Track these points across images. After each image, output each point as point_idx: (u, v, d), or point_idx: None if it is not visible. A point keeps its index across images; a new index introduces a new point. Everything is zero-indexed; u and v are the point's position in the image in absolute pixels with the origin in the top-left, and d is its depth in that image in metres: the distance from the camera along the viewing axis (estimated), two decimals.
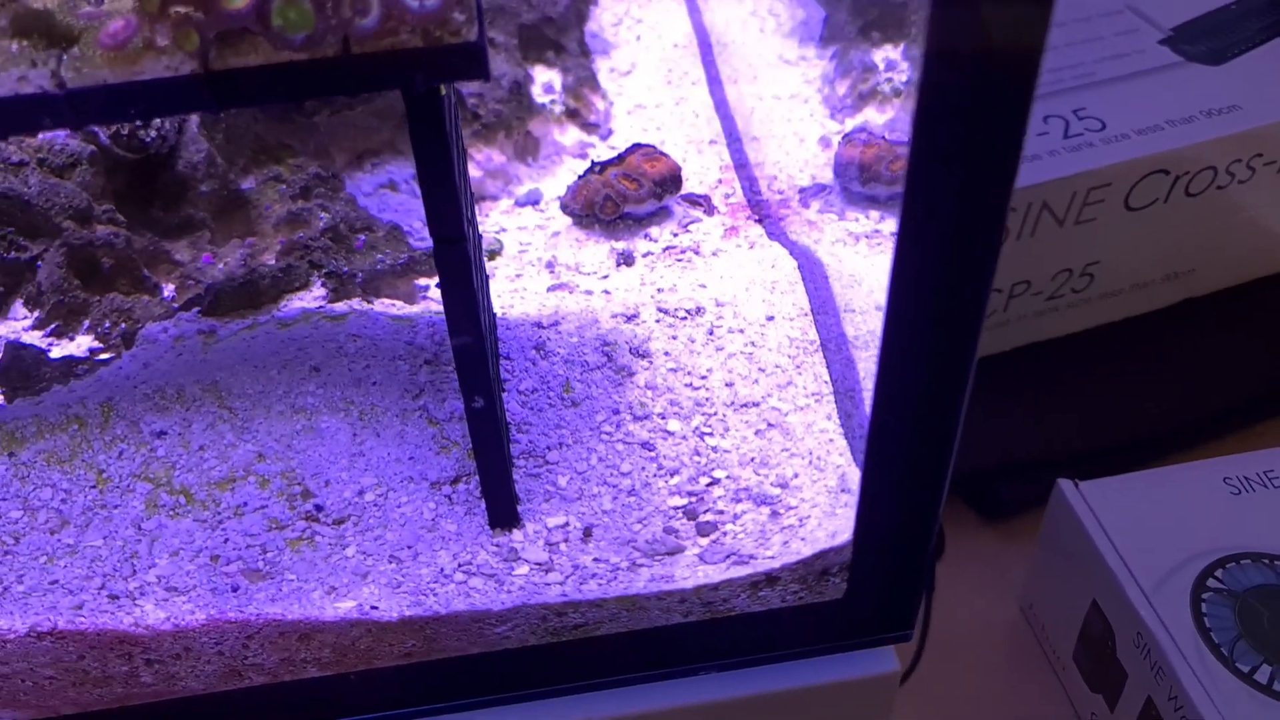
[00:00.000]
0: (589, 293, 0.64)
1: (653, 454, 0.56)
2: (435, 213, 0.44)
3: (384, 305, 0.64)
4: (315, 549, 0.52)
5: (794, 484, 0.55)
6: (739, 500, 0.54)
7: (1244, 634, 0.58)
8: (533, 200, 0.72)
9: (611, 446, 0.56)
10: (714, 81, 0.80)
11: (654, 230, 0.69)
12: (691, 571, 0.51)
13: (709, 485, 0.55)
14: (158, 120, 0.66)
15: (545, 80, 0.79)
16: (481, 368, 0.49)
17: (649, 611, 0.51)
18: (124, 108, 0.39)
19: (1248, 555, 0.61)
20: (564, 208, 0.70)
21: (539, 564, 0.52)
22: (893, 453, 0.46)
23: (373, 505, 0.54)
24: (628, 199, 0.68)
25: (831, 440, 0.56)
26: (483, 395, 0.49)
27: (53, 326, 0.62)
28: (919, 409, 0.44)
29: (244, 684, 0.51)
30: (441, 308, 0.60)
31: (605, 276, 0.66)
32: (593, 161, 0.71)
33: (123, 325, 0.62)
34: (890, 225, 0.67)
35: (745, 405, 0.58)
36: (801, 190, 0.71)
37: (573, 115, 0.77)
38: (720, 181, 0.73)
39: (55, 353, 0.61)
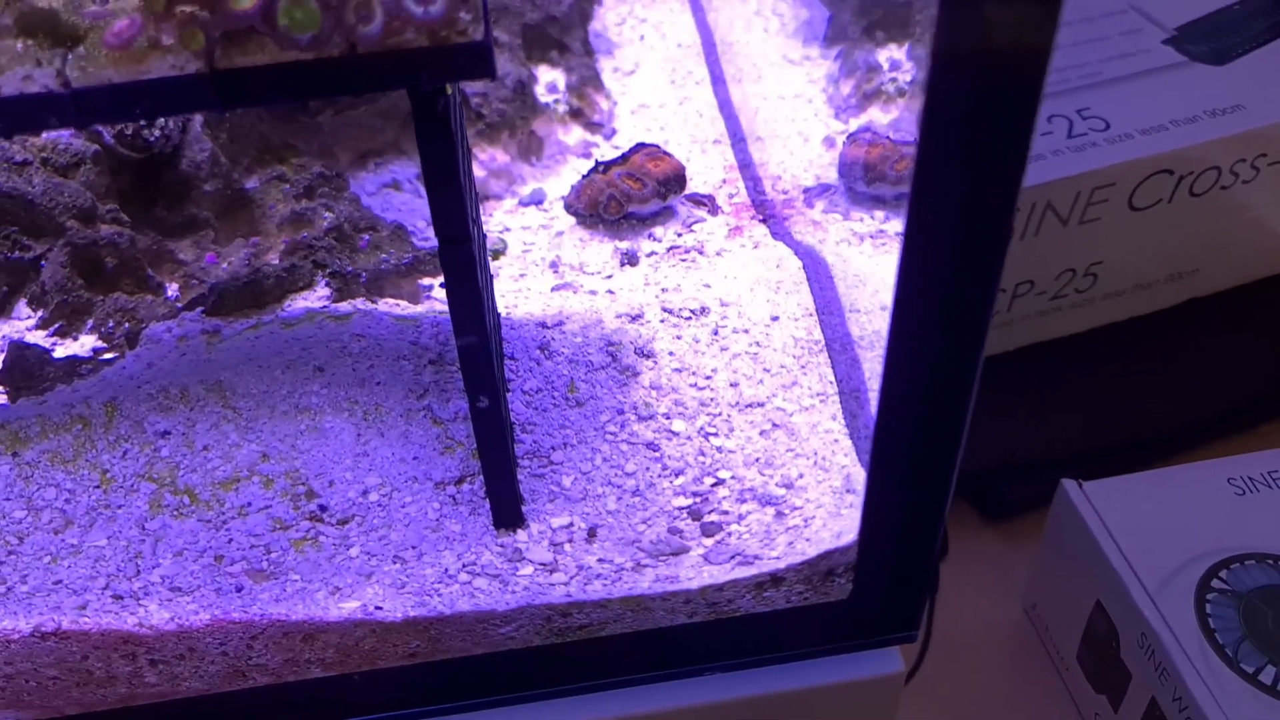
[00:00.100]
0: (593, 293, 0.64)
1: (657, 454, 0.56)
2: (441, 212, 0.44)
3: (388, 305, 0.64)
4: (319, 549, 0.52)
5: (799, 484, 0.55)
6: (744, 501, 0.54)
7: (1248, 635, 0.58)
8: (536, 200, 0.72)
9: (616, 447, 0.56)
10: (718, 81, 0.80)
11: (658, 230, 0.69)
12: (696, 572, 0.51)
13: (714, 486, 0.55)
14: (161, 120, 0.65)
15: (549, 80, 0.78)
16: (486, 368, 0.49)
17: (654, 612, 0.51)
18: (129, 107, 0.39)
19: (1252, 556, 0.61)
20: (568, 207, 0.70)
21: (543, 564, 0.52)
22: (898, 453, 0.45)
23: (377, 505, 0.54)
24: (632, 199, 0.68)
25: (836, 441, 0.56)
26: (487, 395, 0.49)
27: (56, 326, 0.62)
28: (925, 409, 0.44)
29: (248, 684, 0.51)
30: (445, 307, 0.60)
31: (609, 276, 0.66)
32: (597, 161, 0.71)
33: (126, 325, 0.62)
34: (895, 225, 0.67)
35: (750, 405, 0.58)
36: (806, 190, 0.71)
37: (576, 115, 0.77)
38: (724, 181, 0.73)
39: (59, 352, 0.61)
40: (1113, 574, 0.61)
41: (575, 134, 0.76)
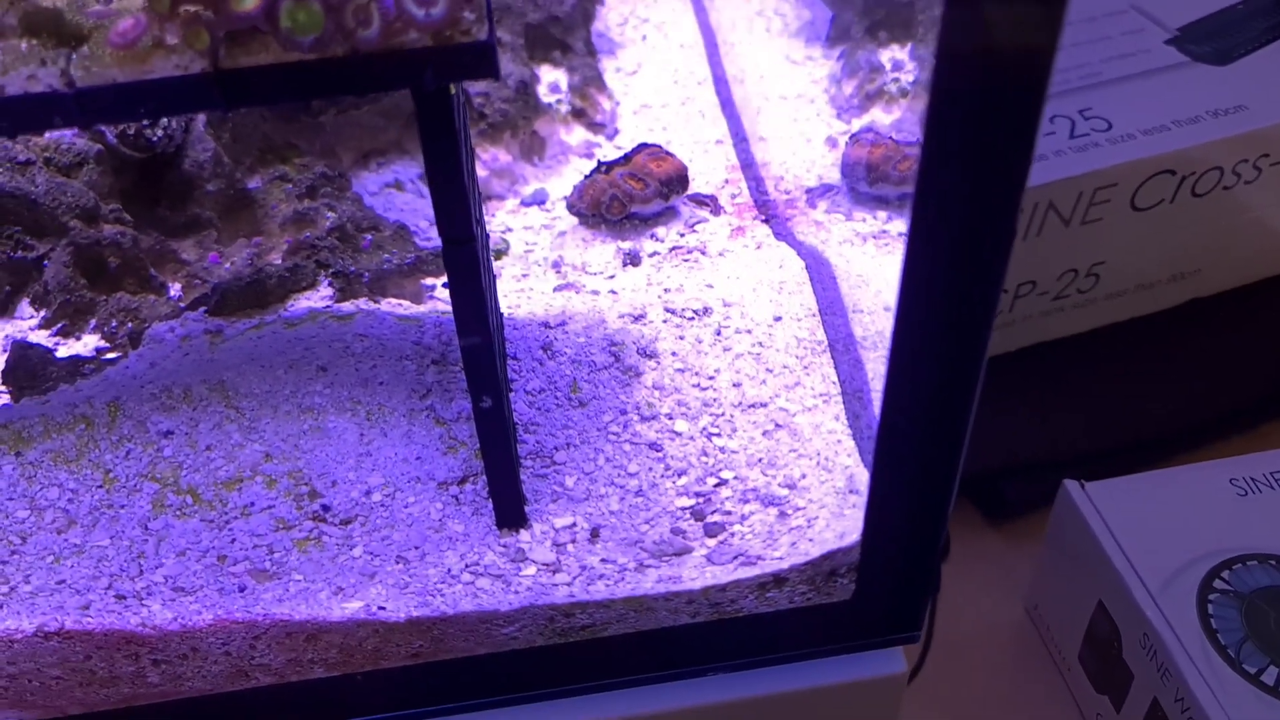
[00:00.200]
0: (595, 293, 0.64)
1: (660, 454, 0.56)
2: (444, 213, 0.44)
3: (391, 305, 0.64)
4: (322, 549, 0.52)
5: (802, 485, 0.55)
6: (747, 501, 0.54)
7: (1250, 635, 0.58)
8: (539, 200, 0.72)
9: (619, 447, 0.56)
10: (720, 81, 0.80)
11: (660, 230, 0.69)
12: (699, 572, 0.51)
13: (716, 486, 0.55)
14: (164, 119, 0.66)
15: (551, 80, 0.78)
16: (489, 368, 0.49)
17: (656, 612, 0.51)
18: (133, 107, 0.39)
19: (1254, 556, 0.61)
20: (570, 207, 0.70)
21: (546, 564, 0.52)
22: (902, 454, 0.45)
23: (380, 505, 0.54)
24: (634, 199, 0.68)
25: (839, 441, 0.56)
26: (490, 395, 0.49)
27: (59, 326, 0.62)
28: (929, 410, 0.44)
29: (251, 684, 0.51)
30: (448, 307, 0.60)
31: (612, 276, 0.66)
32: (599, 161, 0.71)
33: (129, 325, 0.62)
34: (898, 225, 0.67)
35: (753, 406, 0.58)
36: (808, 190, 0.71)
37: (579, 115, 0.77)
38: (727, 182, 0.73)
39: (62, 352, 0.61)
40: (1115, 574, 0.61)
41: (578, 134, 0.76)
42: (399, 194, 0.72)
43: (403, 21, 0.38)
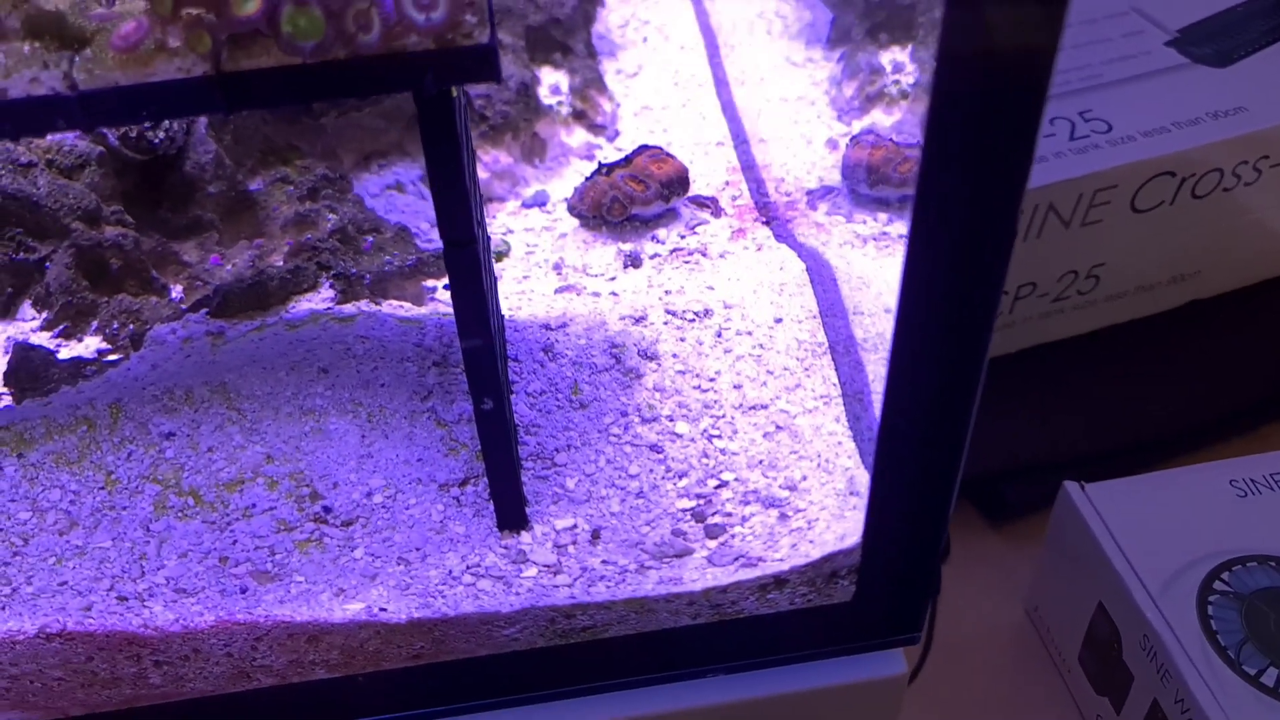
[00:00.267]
0: (596, 295, 0.64)
1: (661, 456, 0.56)
2: (446, 215, 0.44)
3: (392, 307, 0.64)
4: (324, 551, 0.52)
5: (802, 486, 0.55)
6: (747, 503, 0.54)
7: (1250, 636, 0.58)
8: (540, 202, 0.72)
9: (620, 449, 0.56)
10: (721, 83, 0.80)
11: (661, 232, 0.69)
12: (700, 574, 0.51)
13: (717, 488, 0.55)
14: (166, 121, 0.66)
15: (552, 82, 0.79)
16: (491, 370, 0.49)
17: (657, 614, 0.51)
18: (136, 109, 0.39)
19: (1254, 558, 0.61)
20: (571, 209, 0.70)
21: (547, 566, 0.52)
22: (903, 455, 0.46)
23: (381, 507, 0.54)
24: (635, 201, 0.68)
25: (840, 443, 0.56)
26: (491, 397, 0.49)
27: (61, 328, 0.63)
28: (929, 412, 0.44)
29: (252, 686, 0.51)
30: (449, 309, 0.61)
31: (613, 278, 0.66)
32: (600, 163, 0.72)
33: (131, 326, 0.62)
34: (898, 227, 0.67)
35: (753, 408, 0.58)
36: (809, 192, 0.71)
37: (580, 117, 0.77)
38: (727, 183, 0.73)
39: (63, 354, 0.61)
40: (1115, 576, 0.61)
41: (578, 136, 0.77)
42: (400, 196, 0.72)
43: (403, 26, 0.38)
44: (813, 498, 0.54)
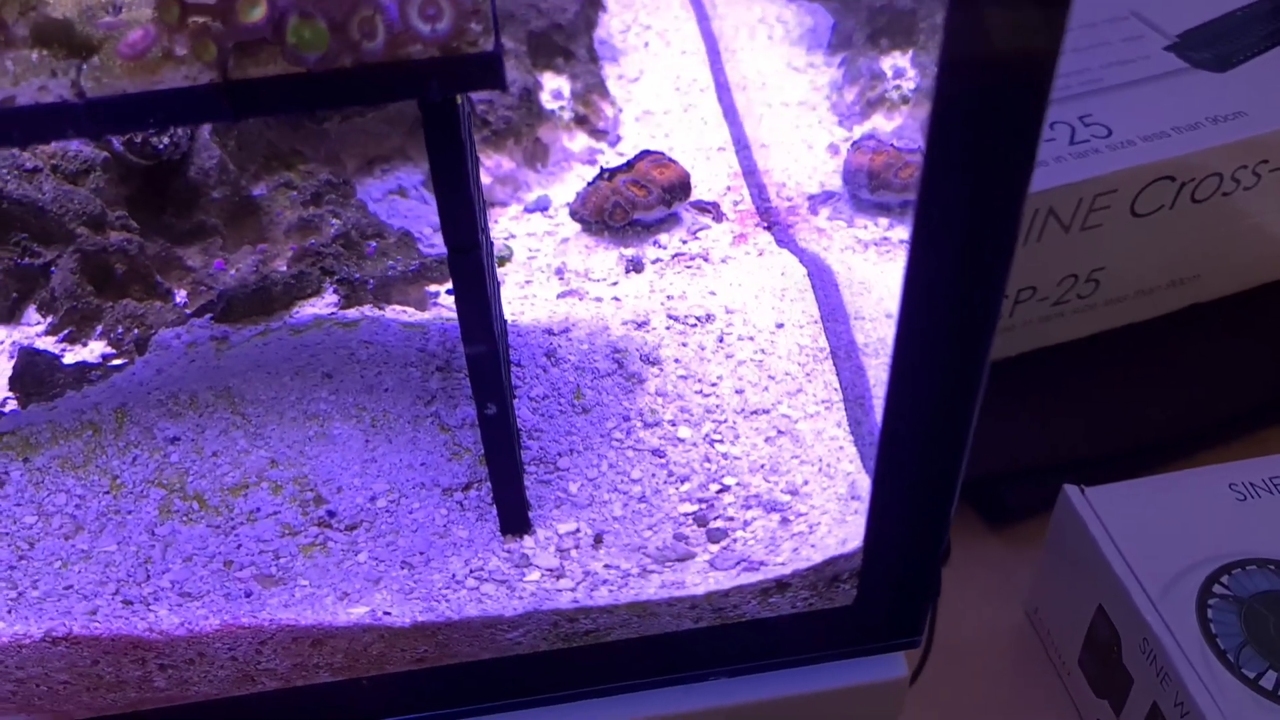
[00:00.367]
0: (599, 299, 0.65)
1: (663, 461, 0.56)
2: (450, 221, 0.44)
3: (395, 312, 0.64)
4: (328, 555, 0.53)
5: (804, 491, 0.55)
6: (749, 507, 0.55)
7: (1249, 640, 0.58)
8: (542, 207, 0.72)
9: (622, 453, 0.57)
10: (722, 88, 0.80)
11: (663, 237, 0.69)
12: (702, 578, 0.52)
13: (719, 492, 0.55)
14: (171, 127, 0.66)
15: (554, 87, 0.79)
16: (494, 375, 0.49)
17: (660, 617, 0.51)
18: (143, 117, 0.39)
19: (1253, 561, 0.61)
20: (573, 214, 0.70)
21: (550, 570, 0.52)
22: (904, 460, 0.46)
23: (385, 511, 0.54)
24: (637, 206, 0.68)
25: (841, 447, 0.57)
26: (495, 402, 0.49)
27: (66, 332, 0.63)
28: (930, 416, 0.44)
29: (257, 689, 0.52)
30: (452, 314, 0.61)
31: (615, 283, 0.66)
32: (602, 168, 0.72)
33: (135, 331, 0.62)
34: (899, 232, 0.67)
35: (755, 412, 0.58)
36: (810, 197, 0.71)
37: (582, 122, 0.77)
38: (729, 188, 0.73)
39: (69, 358, 0.61)
40: (1115, 579, 0.61)
41: (580, 141, 0.77)
42: (403, 200, 0.72)
43: (408, 36, 0.38)
44: (814, 502, 0.55)
